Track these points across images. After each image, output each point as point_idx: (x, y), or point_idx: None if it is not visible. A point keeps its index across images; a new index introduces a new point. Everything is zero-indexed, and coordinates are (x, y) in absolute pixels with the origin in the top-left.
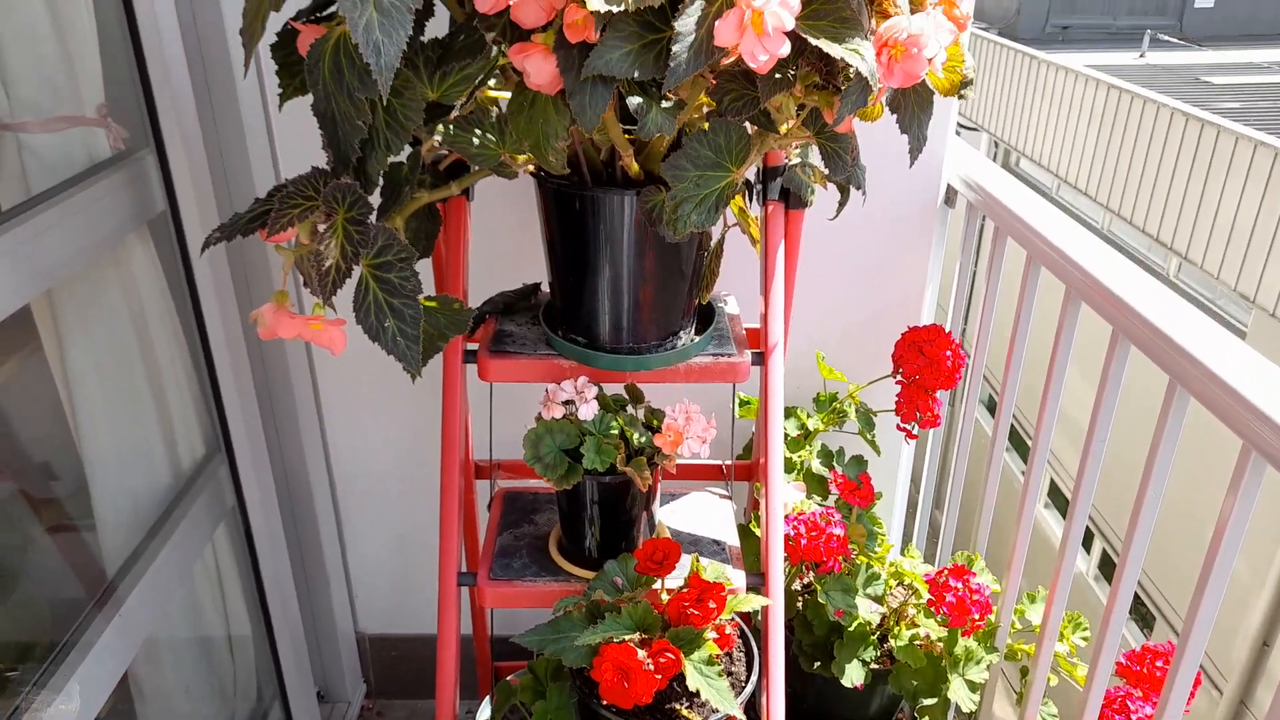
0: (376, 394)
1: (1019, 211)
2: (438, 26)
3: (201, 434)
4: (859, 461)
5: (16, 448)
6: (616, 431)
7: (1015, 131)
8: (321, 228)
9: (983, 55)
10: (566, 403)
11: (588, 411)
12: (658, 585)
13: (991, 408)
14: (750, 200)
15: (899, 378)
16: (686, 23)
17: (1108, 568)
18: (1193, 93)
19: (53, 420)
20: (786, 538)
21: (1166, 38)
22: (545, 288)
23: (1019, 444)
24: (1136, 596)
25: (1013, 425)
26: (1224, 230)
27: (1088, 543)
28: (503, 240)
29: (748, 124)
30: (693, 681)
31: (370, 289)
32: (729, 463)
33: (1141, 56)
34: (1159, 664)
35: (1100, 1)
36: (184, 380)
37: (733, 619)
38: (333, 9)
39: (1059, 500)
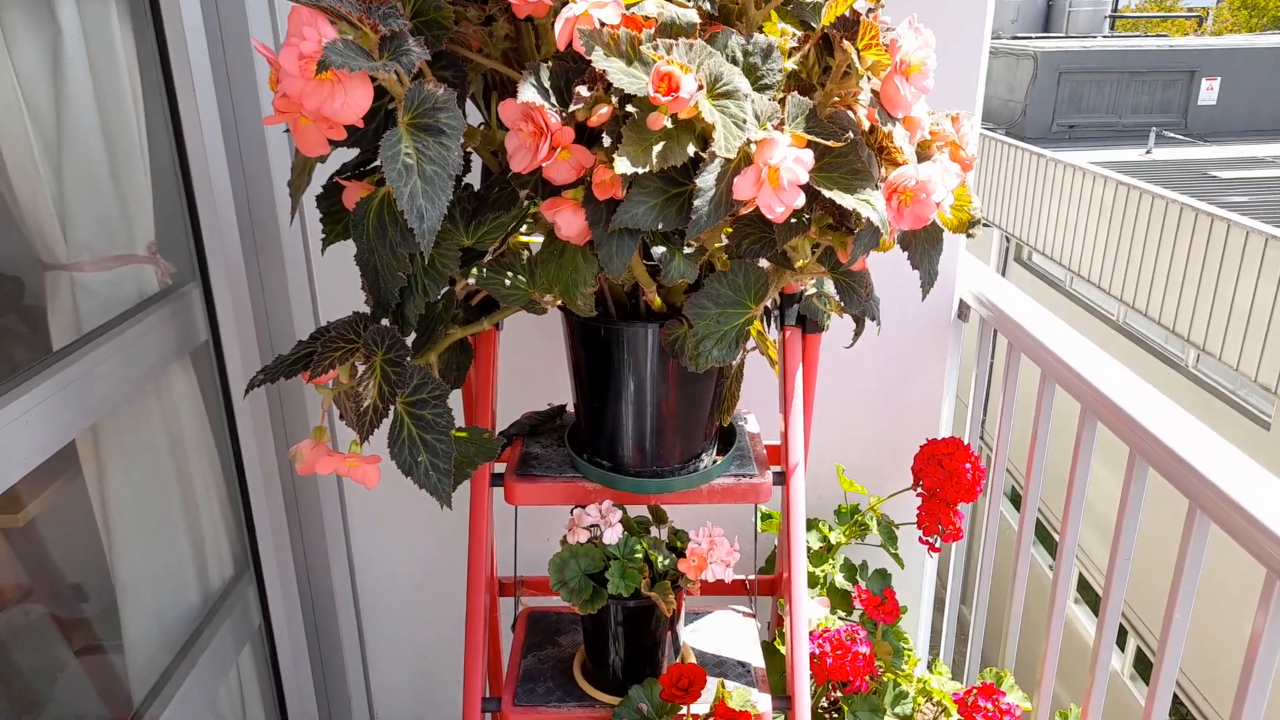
0: (402, 510)
1: (1031, 329)
2: (474, 174)
3: (231, 555)
4: (883, 575)
5: (51, 570)
6: (641, 555)
7: (1026, 227)
8: (360, 368)
9: (991, 154)
10: (591, 526)
11: (612, 535)
12: (684, 711)
13: (1016, 499)
14: (768, 324)
15: (919, 490)
16: (707, 179)
17: (1144, 665)
18: (1201, 187)
19: (88, 544)
20: (811, 656)
21: (1172, 134)
22: (570, 408)
23: (1045, 537)
24: (1175, 697)
25: (1039, 519)
26: (1240, 322)
27: (1122, 640)
28: (530, 360)
29: (764, 261)
30: None
31: (405, 425)
32: (752, 578)
33: (1148, 153)
34: None
35: (1105, 100)
36: (217, 503)
37: None
38: (376, 164)
39: (1089, 594)
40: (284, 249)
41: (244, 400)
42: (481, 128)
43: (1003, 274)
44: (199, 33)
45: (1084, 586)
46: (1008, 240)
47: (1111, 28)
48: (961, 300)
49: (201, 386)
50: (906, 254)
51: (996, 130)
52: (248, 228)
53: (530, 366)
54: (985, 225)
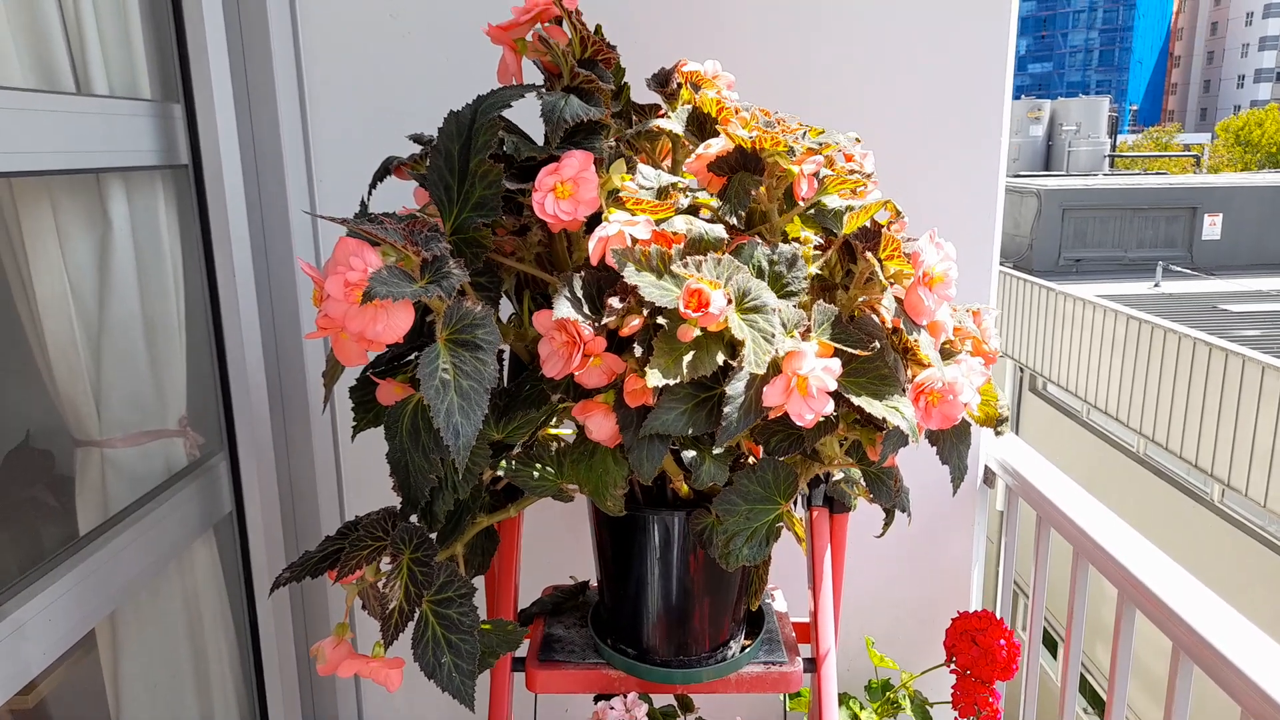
0: (417, 690)
1: (1061, 504)
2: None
3: None
4: None
5: None
6: None
7: (1039, 358)
8: (386, 565)
9: (1001, 286)
10: None
11: None
12: None
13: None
14: (795, 502)
15: (953, 667)
16: (736, 387)
17: None
18: (1211, 321)
19: (96, 718)
20: None
21: (1178, 268)
22: (593, 583)
23: (1089, 692)
24: None
25: (1083, 675)
26: (1264, 458)
27: None
28: (551, 531)
29: None
30: None
31: (430, 625)
32: None
33: (1156, 285)
34: None
35: (1110, 235)
36: (231, 684)
37: None
38: (409, 358)
39: None
40: (311, 422)
41: (265, 576)
42: (513, 320)
43: (1018, 404)
44: (241, 218)
45: None
46: (1021, 371)
47: (1111, 166)
48: (987, 467)
49: (223, 560)
50: (935, 448)
51: (1005, 264)
52: (278, 403)
53: (553, 534)
54: (1001, 356)
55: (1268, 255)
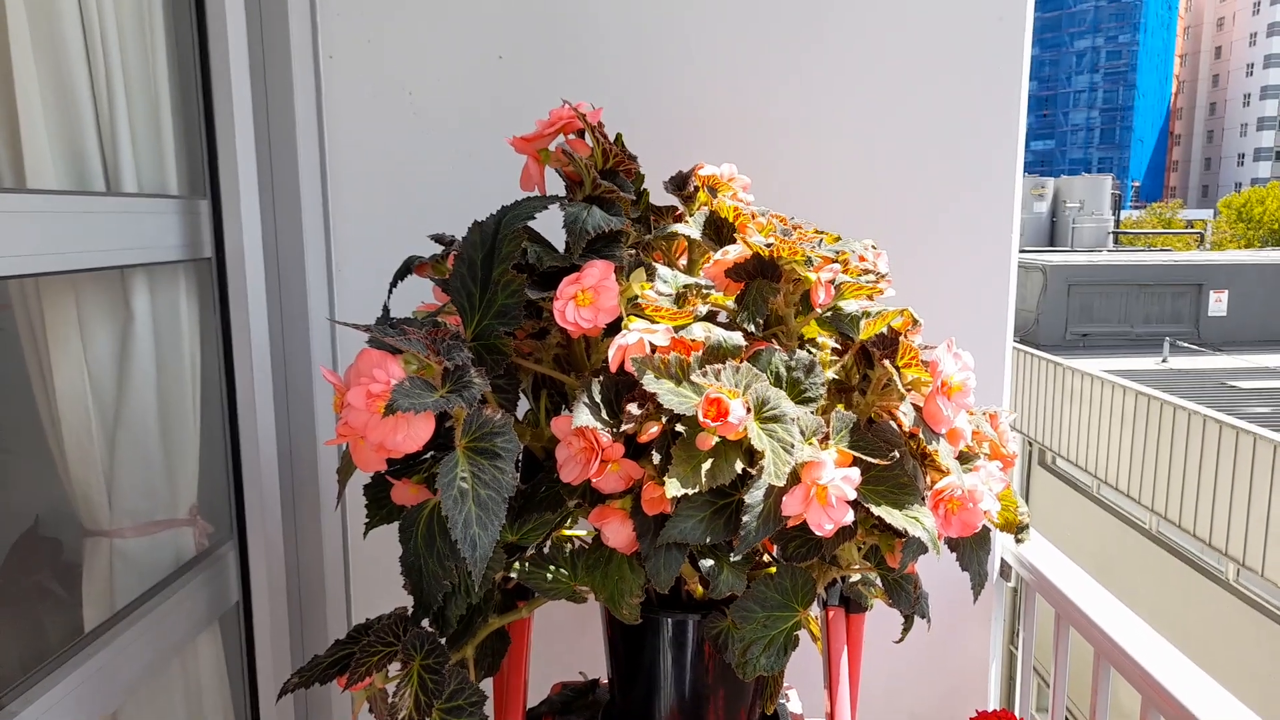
0: None
1: (1081, 604)
2: None
3: None
4: None
5: None
6: None
7: (1047, 433)
8: (396, 670)
9: None
10: None
11: None
12: None
13: None
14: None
15: None
16: (755, 495)
17: None
18: (1221, 398)
19: None
20: None
21: (1185, 344)
22: (603, 680)
23: None
24: None
25: None
26: (1279, 537)
27: None
28: (561, 621)
29: None
30: None
31: None
32: None
33: (1164, 361)
34: None
35: (1117, 311)
36: None
37: None
38: (425, 458)
39: None
40: (322, 516)
41: (270, 671)
42: (529, 417)
43: (1027, 479)
44: (261, 311)
45: None
46: (1030, 445)
47: (1115, 242)
48: (1003, 561)
49: (228, 654)
50: (954, 554)
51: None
52: (289, 494)
53: (563, 631)
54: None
55: (1274, 332)
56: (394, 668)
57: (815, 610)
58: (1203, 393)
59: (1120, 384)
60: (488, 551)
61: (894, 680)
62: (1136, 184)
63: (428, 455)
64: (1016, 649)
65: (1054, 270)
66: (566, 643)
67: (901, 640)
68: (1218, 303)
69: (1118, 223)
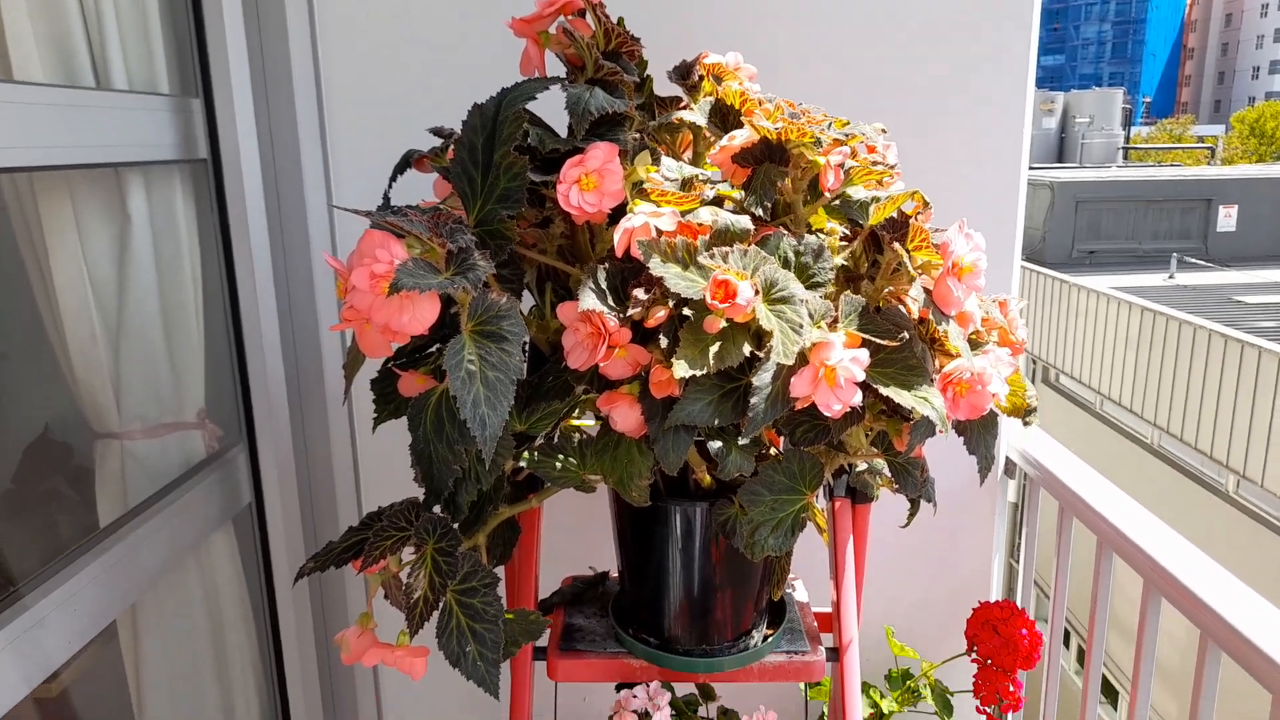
0: (437, 681)
1: (1084, 494)
2: None
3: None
4: None
5: None
6: None
7: (1052, 350)
8: (409, 555)
9: None
10: (638, 709)
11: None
12: None
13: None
14: (817, 494)
15: (974, 656)
16: (764, 378)
17: None
18: (1227, 312)
19: (119, 714)
20: None
21: (1193, 259)
22: (613, 573)
23: (1110, 692)
24: None
25: (1105, 676)
26: (1260, 441)
27: None
28: (571, 521)
29: None
30: None
31: (454, 615)
32: None
33: (1171, 278)
34: None
35: (1124, 227)
36: (251, 673)
37: None
38: (431, 350)
39: None
40: (329, 414)
41: (284, 563)
42: (534, 312)
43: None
44: (259, 212)
45: None
46: (1034, 363)
47: (1125, 158)
48: (1008, 458)
49: (242, 552)
50: (962, 439)
51: None
52: (296, 395)
53: (572, 525)
54: None
55: None
56: (407, 553)
57: (822, 502)
58: (1208, 308)
59: (1126, 300)
60: (497, 431)
61: (898, 577)
62: (1148, 99)
63: (433, 348)
64: (1020, 541)
65: (1061, 187)
66: (577, 545)
67: (907, 525)
68: (1227, 218)
69: (1128, 138)
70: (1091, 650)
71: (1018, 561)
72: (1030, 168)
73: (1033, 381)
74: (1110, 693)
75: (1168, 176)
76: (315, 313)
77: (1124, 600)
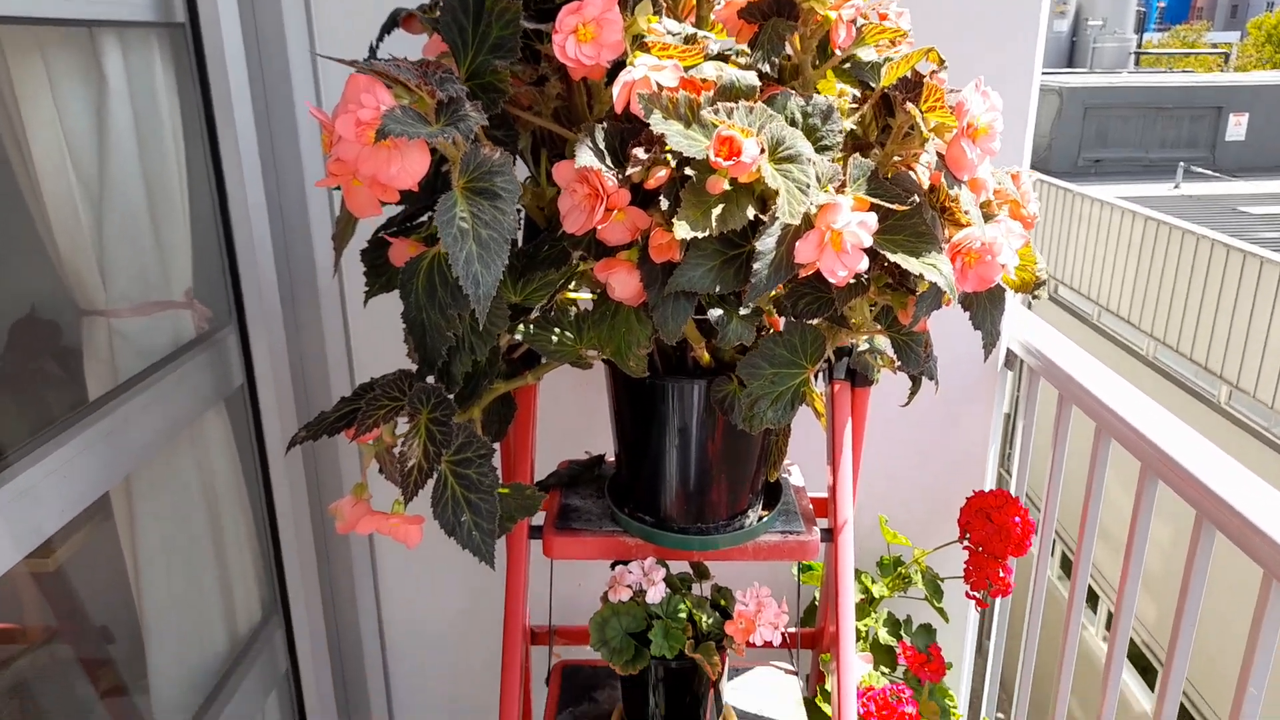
0: (433, 559)
1: (1084, 381)
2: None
3: (260, 599)
4: (928, 631)
5: (79, 614)
6: (685, 615)
7: (1052, 261)
8: (404, 425)
9: None
10: (633, 584)
11: (655, 594)
12: None
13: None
14: (815, 377)
15: (966, 544)
16: (767, 242)
17: None
18: (1230, 223)
19: (117, 587)
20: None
21: (1200, 169)
22: (609, 457)
23: (1090, 599)
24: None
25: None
26: (1275, 359)
27: None
28: (567, 405)
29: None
30: None
31: (449, 485)
32: (792, 630)
33: (1176, 187)
34: None
35: (1132, 135)
36: (247, 547)
37: None
38: (421, 219)
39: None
40: (320, 294)
41: (278, 440)
42: (529, 182)
43: (1029, 308)
44: (242, 81)
45: (1135, 655)
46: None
47: (1136, 64)
48: (1009, 350)
49: (235, 433)
50: (967, 314)
51: None
52: (285, 275)
53: (568, 413)
54: None
55: None
56: (402, 425)
57: (820, 386)
58: (1212, 218)
59: (1129, 209)
60: (491, 290)
61: (893, 467)
62: (1162, 4)
63: (424, 217)
64: (1012, 450)
65: (1070, 93)
66: (572, 432)
67: (908, 404)
68: (1236, 126)
69: (1140, 44)
70: (1083, 537)
71: (1010, 474)
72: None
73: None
74: (1091, 599)
75: (1178, 83)
76: (304, 189)
77: (1109, 510)
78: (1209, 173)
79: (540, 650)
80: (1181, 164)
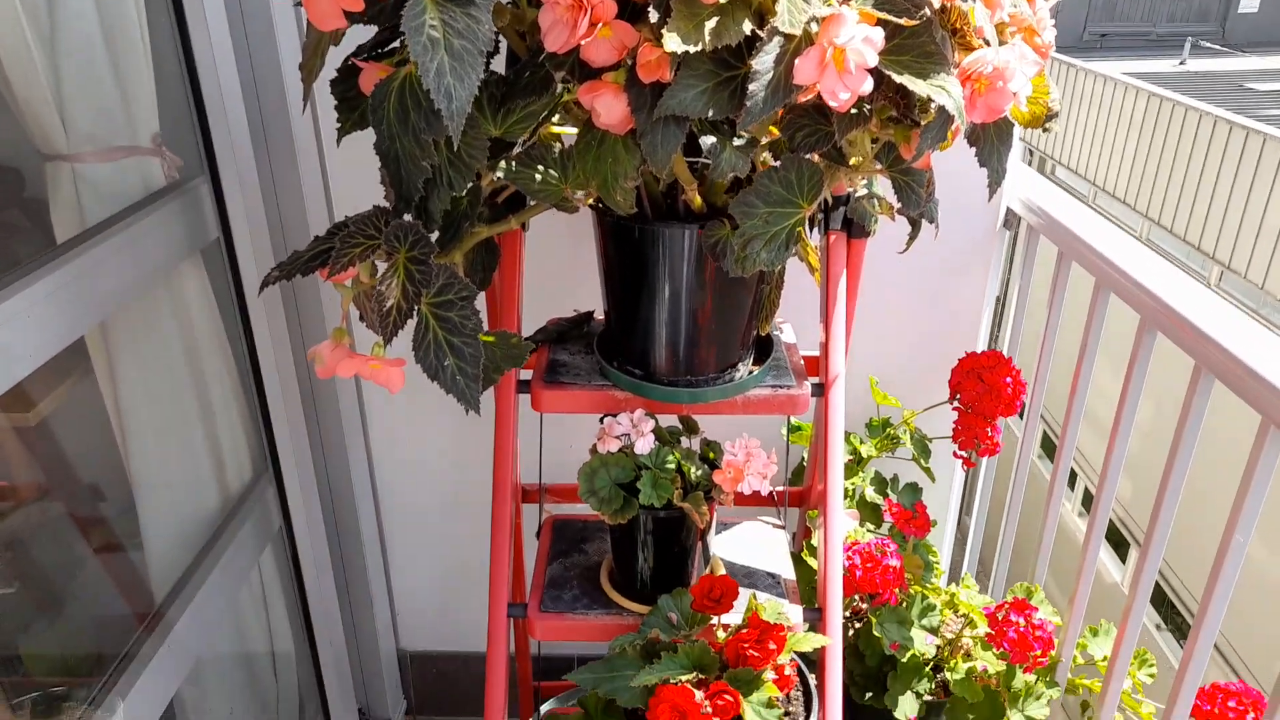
0: (422, 414)
1: (1086, 236)
2: (497, 59)
3: (250, 456)
4: (914, 489)
5: (66, 469)
6: (673, 466)
7: (1051, 140)
8: (382, 266)
9: None
10: (622, 435)
11: (644, 445)
12: (714, 622)
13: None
14: (810, 229)
15: (956, 404)
16: (765, 61)
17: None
18: (1235, 99)
19: (102, 443)
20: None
21: (1208, 44)
22: (599, 315)
23: (1050, 446)
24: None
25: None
26: (1269, 240)
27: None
28: (555, 264)
29: (816, 157)
30: None
31: (431, 328)
32: (780, 489)
33: (1182, 63)
34: (1231, 704)
35: (1140, 8)
36: (233, 403)
37: (791, 659)
38: (394, 45)
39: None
40: (295, 140)
41: (259, 299)
42: (509, 5)
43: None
44: None
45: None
46: (1030, 153)
47: None
48: (1009, 209)
49: (214, 285)
50: (974, 149)
51: None
52: (257, 119)
53: (555, 274)
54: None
55: None
56: (380, 267)
57: (816, 240)
58: (1218, 95)
59: (1132, 85)
60: (465, 105)
61: (886, 324)
62: None
63: (396, 43)
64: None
65: None
66: (559, 292)
67: (906, 250)
68: None
69: None
70: (1075, 391)
71: (1003, 347)
72: None
73: None
74: (1070, 481)
75: None
76: (270, 20)
77: (1093, 393)
78: (1218, 47)
79: (532, 509)
80: (1189, 38)
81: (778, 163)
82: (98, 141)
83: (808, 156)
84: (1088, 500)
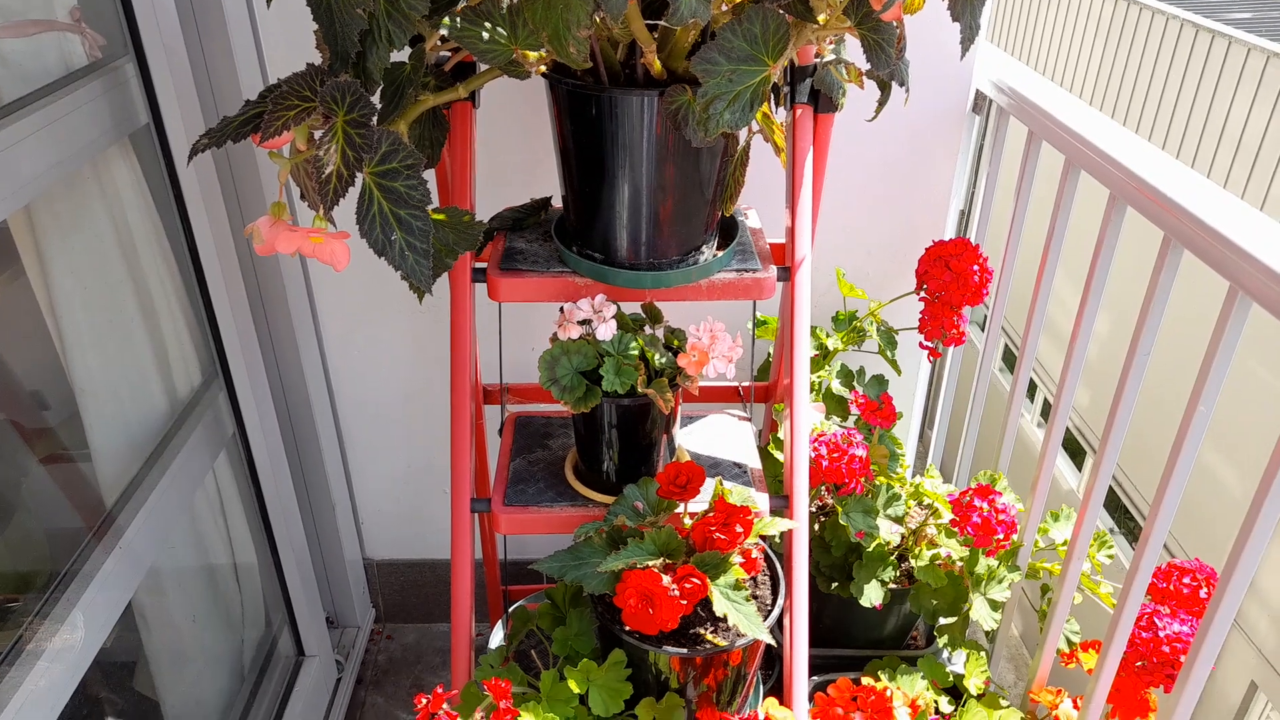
0: (376, 312)
1: (1055, 113)
2: None
3: (198, 360)
4: (880, 381)
5: (4, 376)
6: (636, 352)
7: (1015, 45)
8: (319, 132)
9: None
10: (583, 322)
11: (606, 331)
12: (680, 509)
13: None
14: (775, 106)
15: (923, 294)
16: None
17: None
18: (1203, 3)
19: (40, 347)
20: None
21: None
22: (556, 202)
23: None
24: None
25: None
26: (1232, 142)
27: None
28: (509, 150)
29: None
30: (719, 606)
31: (375, 199)
32: (746, 384)
33: None
34: (1185, 580)
35: None
36: (176, 303)
37: (758, 543)
38: None
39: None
40: (226, 13)
41: (195, 186)
42: None
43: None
44: None
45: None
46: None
47: None
48: (978, 91)
49: (146, 174)
50: (946, 3)
51: None
52: None
53: (511, 166)
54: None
55: None
56: (318, 135)
57: (782, 116)
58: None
59: None
60: None
61: (853, 213)
62: None
63: None
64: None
65: None
66: (515, 177)
67: (875, 117)
68: None
69: None
70: (1042, 274)
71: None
72: None
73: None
74: (1030, 392)
75: None
76: None
77: (1056, 305)
78: None
79: (495, 412)
80: None
81: None
82: (8, 14)
83: (773, 6)
84: (1046, 411)
